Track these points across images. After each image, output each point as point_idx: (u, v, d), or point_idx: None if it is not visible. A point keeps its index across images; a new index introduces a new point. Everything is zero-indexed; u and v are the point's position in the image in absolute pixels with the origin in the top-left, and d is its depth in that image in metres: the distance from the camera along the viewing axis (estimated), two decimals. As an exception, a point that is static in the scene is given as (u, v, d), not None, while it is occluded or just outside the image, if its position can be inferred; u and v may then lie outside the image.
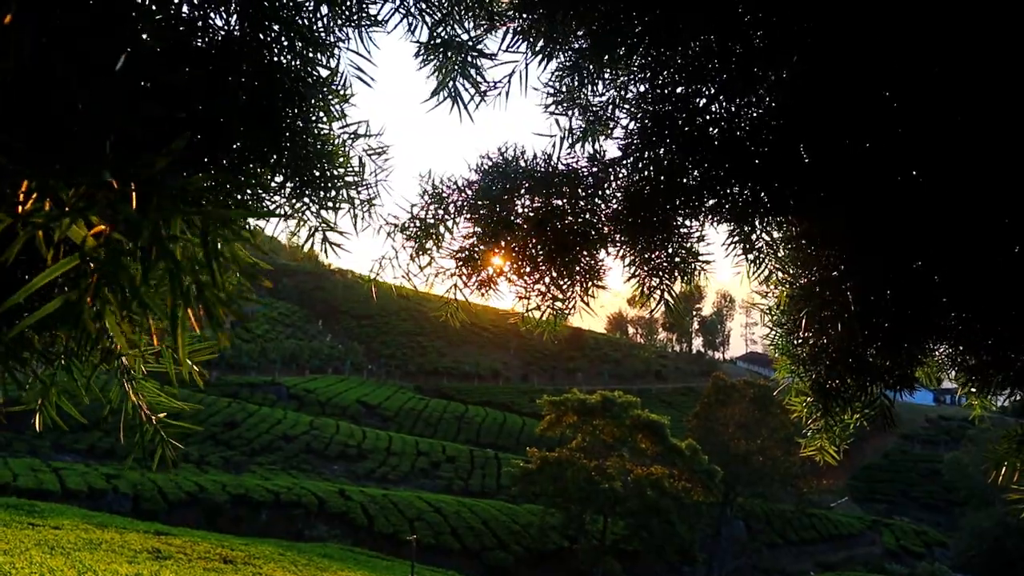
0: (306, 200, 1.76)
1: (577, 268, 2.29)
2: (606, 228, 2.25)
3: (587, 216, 2.25)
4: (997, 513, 43.07)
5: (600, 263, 2.31)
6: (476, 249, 2.24)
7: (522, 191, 2.22)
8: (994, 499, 44.25)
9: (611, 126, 2.20)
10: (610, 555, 38.05)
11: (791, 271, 2.26)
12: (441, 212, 2.27)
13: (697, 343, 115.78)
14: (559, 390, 45.41)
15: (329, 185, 1.75)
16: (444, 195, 2.27)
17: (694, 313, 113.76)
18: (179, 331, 0.81)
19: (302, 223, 1.82)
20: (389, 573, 25.05)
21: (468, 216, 2.26)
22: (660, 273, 2.27)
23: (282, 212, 1.67)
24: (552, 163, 2.24)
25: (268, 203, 1.71)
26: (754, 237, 2.22)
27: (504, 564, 36.15)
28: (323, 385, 62.48)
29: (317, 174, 1.71)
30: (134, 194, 0.78)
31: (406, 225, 2.27)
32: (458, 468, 49.23)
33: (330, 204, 1.79)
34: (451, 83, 2.06)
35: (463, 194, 2.26)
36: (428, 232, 2.27)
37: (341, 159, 1.79)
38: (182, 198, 0.80)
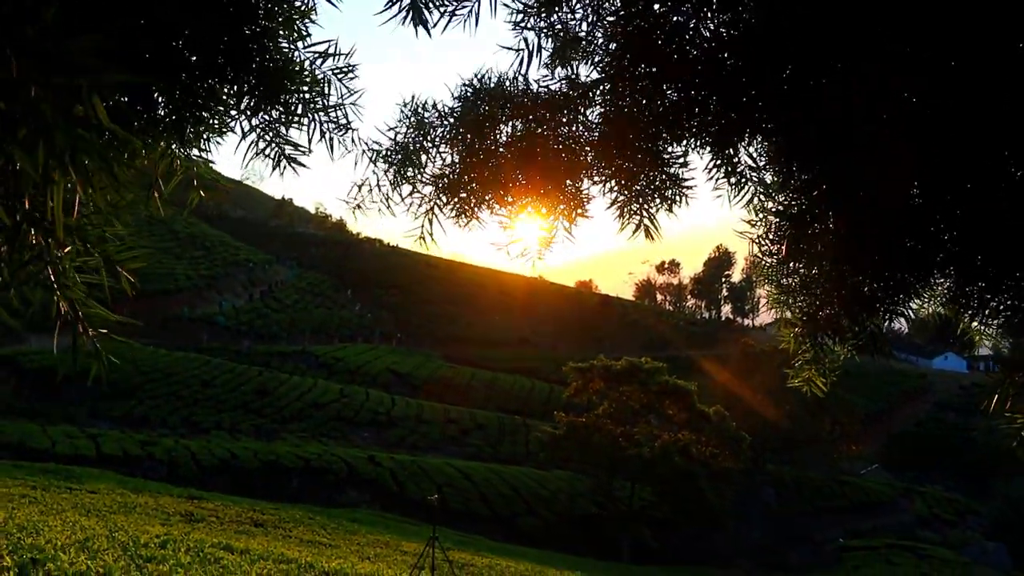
0: (265, 116, 1.73)
1: (560, 196, 2.26)
2: (589, 155, 2.22)
3: (569, 143, 2.21)
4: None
5: (584, 191, 2.28)
6: (456, 176, 2.21)
7: (503, 117, 2.19)
8: (1028, 466, 43.74)
9: (588, 47, 2.15)
10: (638, 521, 38.21)
11: (778, 198, 2.21)
12: (422, 139, 2.24)
13: (726, 310, 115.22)
14: (587, 357, 45.37)
15: (290, 100, 1.73)
16: (426, 121, 2.24)
17: (723, 280, 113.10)
18: (55, 192, 0.80)
19: (261, 140, 1.80)
20: (418, 538, 25.35)
21: (450, 144, 2.24)
22: (641, 198, 2.22)
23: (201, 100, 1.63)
24: (532, 88, 2.20)
25: (227, 119, 1.69)
26: (736, 160, 2.17)
27: (533, 530, 36.40)
28: (352, 353, 62.88)
29: (277, 90, 1.68)
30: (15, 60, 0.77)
31: (387, 153, 2.24)
32: (487, 435, 49.49)
33: (291, 120, 1.77)
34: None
35: (445, 121, 2.23)
36: (409, 159, 2.24)
37: (307, 76, 1.76)
38: (60, 64, 0.78)
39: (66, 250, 1.32)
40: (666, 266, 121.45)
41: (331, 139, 1.96)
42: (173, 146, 1.64)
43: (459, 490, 37.36)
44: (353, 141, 2.08)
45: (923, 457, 63.15)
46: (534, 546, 33.17)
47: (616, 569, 30.47)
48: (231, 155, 1.81)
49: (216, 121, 1.64)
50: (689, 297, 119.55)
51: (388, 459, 39.34)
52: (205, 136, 1.67)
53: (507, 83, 2.22)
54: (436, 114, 2.23)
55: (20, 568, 6.87)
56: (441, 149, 2.24)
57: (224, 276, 73.51)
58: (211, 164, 1.72)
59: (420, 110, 2.24)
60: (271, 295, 74.88)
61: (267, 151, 1.80)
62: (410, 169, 2.25)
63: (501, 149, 2.22)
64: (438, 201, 2.24)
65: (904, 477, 59.26)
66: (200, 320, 63.14)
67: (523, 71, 2.17)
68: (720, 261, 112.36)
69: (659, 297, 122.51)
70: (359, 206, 2.30)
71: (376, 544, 20.80)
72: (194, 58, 1.57)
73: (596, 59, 2.11)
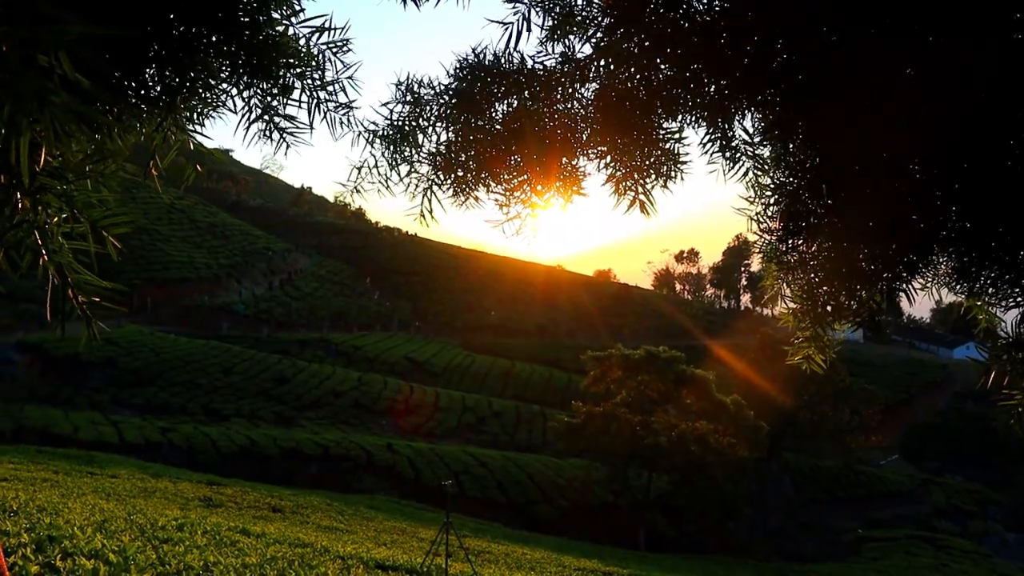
0: (259, 91, 1.74)
1: (556, 174, 2.26)
2: (585, 132, 2.21)
3: (564, 119, 2.21)
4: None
5: (580, 168, 2.28)
6: (453, 154, 2.21)
7: (499, 94, 2.19)
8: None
9: (583, 21, 2.15)
10: (654, 510, 38.22)
11: (774, 174, 2.20)
12: (418, 117, 2.24)
13: (745, 299, 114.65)
14: (606, 346, 45.31)
15: (284, 75, 1.73)
16: (422, 98, 2.24)
17: (742, 269, 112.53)
18: (22, 143, 0.81)
19: (252, 113, 1.80)
20: (435, 524, 25.49)
21: (445, 121, 2.24)
22: (636, 174, 2.22)
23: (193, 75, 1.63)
24: (527, 65, 2.20)
25: (220, 94, 1.70)
26: (731, 135, 2.16)
27: (549, 517, 36.51)
28: (371, 342, 63.19)
29: (271, 65, 1.68)
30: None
31: (384, 132, 2.24)
32: (504, 423, 49.63)
33: (285, 95, 1.77)
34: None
35: (440, 98, 2.23)
36: (405, 138, 2.25)
37: (301, 52, 1.76)
38: (23, 14, 0.79)
39: (53, 220, 1.34)
40: (685, 255, 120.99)
41: (331, 117, 1.96)
42: (167, 120, 1.65)
43: (476, 477, 37.52)
44: (350, 121, 2.08)
45: (944, 447, 62.69)
46: (550, 534, 33.27)
47: (632, 557, 30.48)
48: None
49: (210, 96, 1.65)
50: (708, 286, 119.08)
51: (405, 446, 39.55)
52: (199, 111, 1.68)
53: (502, 60, 2.21)
54: (431, 92, 2.24)
55: (37, 544, 6.98)
56: (437, 127, 2.24)
57: (243, 264, 74.01)
58: (203, 138, 1.73)
59: (415, 88, 2.25)
60: (290, 283, 75.32)
61: (262, 127, 1.81)
62: (407, 148, 2.25)
63: (497, 127, 2.22)
64: (435, 179, 2.25)
65: (924, 467, 58.88)
66: (220, 308, 63.63)
67: (517, 47, 2.17)
68: (739, 250, 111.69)
69: (678, 286, 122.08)
70: (358, 188, 2.31)
71: (393, 531, 20.93)
72: (186, 31, 1.58)
73: (590, 33, 2.11)
